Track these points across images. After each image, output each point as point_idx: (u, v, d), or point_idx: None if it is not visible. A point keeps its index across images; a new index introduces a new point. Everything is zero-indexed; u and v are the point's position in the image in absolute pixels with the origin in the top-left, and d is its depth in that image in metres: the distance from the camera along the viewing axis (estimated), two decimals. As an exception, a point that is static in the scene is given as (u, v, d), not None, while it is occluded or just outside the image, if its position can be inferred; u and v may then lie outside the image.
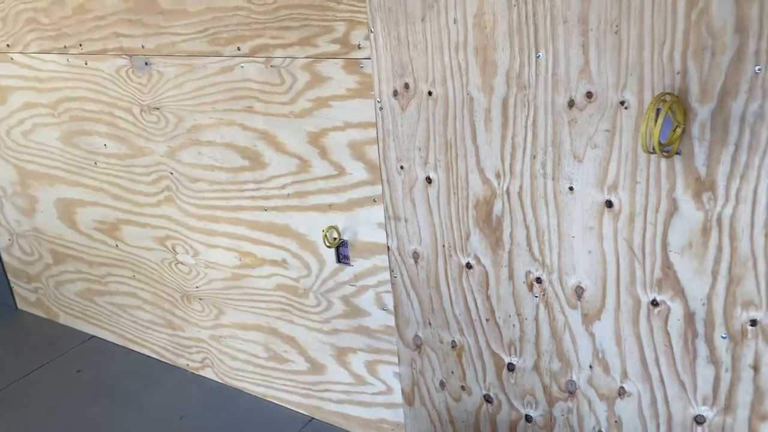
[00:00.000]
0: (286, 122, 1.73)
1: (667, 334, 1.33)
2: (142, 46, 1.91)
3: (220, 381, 2.29)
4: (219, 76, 1.80)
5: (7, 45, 2.24)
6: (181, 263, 2.19)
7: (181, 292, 2.25)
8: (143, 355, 2.50)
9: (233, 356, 2.20)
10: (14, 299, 2.89)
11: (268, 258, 1.95)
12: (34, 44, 2.16)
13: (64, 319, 2.74)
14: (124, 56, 1.96)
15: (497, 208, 1.47)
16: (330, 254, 1.80)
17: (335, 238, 1.76)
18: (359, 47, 1.53)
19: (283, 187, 1.82)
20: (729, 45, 1.10)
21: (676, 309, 1.31)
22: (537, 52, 1.30)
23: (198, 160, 1.97)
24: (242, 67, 1.74)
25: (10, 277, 2.85)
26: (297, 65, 1.64)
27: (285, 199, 1.83)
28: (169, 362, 2.43)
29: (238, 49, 1.72)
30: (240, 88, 1.77)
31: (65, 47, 2.08)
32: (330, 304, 1.87)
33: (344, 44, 1.55)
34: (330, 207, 1.75)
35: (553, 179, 1.37)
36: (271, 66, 1.69)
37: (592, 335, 1.44)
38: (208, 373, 2.32)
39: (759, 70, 1.08)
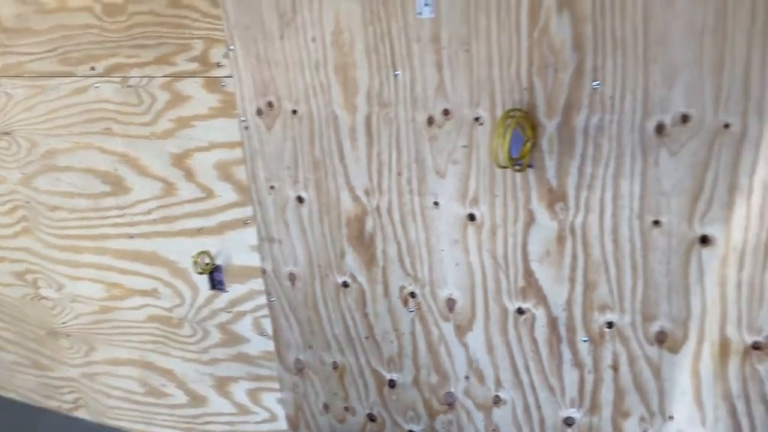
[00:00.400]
0: (148, 144, 1.64)
1: (534, 340, 1.37)
2: (-15, 67, 1.76)
3: (97, 421, 2.14)
4: (73, 97, 1.68)
5: None
6: (45, 298, 2.03)
7: (47, 329, 2.08)
8: (8, 399, 2.29)
9: (108, 394, 2.06)
10: None
11: (138, 288, 1.84)
12: None
13: None
14: (-35, 77, 1.80)
15: (369, 225, 1.47)
16: (203, 281, 1.73)
17: (207, 264, 1.69)
18: (219, 65, 1.48)
19: (149, 212, 1.72)
20: (569, 62, 1.15)
21: (540, 316, 1.35)
22: (395, 70, 1.31)
23: (56, 187, 1.83)
24: (97, 87, 1.64)
25: None
26: (155, 84, 1.57)
27: (152, 224, 1.73)
28: (39, 405, 2.24)
29: (92, 68, 1.62)
30: (96, 109, 1.67)
31: None
32: (207, 332, 1.79)
33: (203, 62, 1.49)
34: (200, 231, 1.68)
35: (419, 195, 1.38)
36: (128, 86, 1.60)
37: (465, 346, 1.46)
38: (82, 414, 2.16)
39: (597, 85, 1.14)
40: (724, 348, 1.19)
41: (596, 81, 1.14)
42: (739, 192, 1.08)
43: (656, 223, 1.17)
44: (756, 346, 1.16)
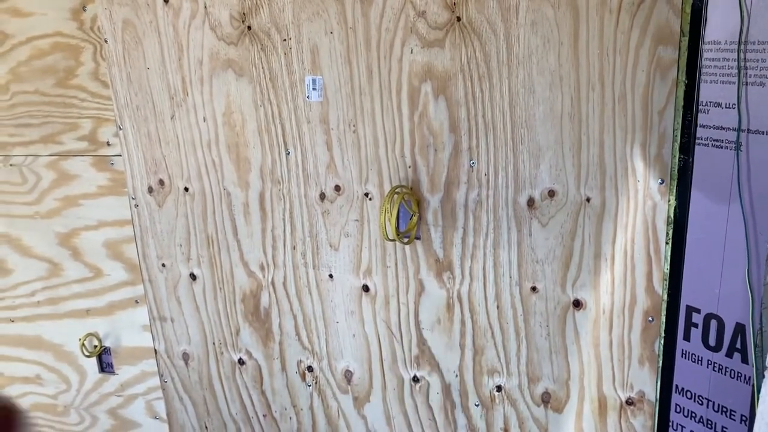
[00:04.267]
0: (32, 223, 1.58)
1: (430, 408, 1.41)
2: None
3: None
4: (-52, 176, 1.60)
5: None
6: None
7: None
8: None
9: (-19, 495, 1.88)
10: None
11: (19, 375, 1.72)
12: None
13: None
14: None
15: (264, 299, 1.47)
16: (91, 364, 1.65)
17: (96, 346, 1.61)
18: (108, 144, 1.47)
19: (33, 294, 1.64)
20: (446, 143, 1.24)
21: (435, 383, 1.39)
22: (287, 149, 1.35)
23: (-74, 271, 1.71)
24: (-24, 166, 1.57)
25: None
26: (40, 163, 1.53)
27: (35, 307, 1.65)
28: None
29: (-30, 147, 1.56)
30: (-26, 189, 1.60)
31: None
32: (95, 419, 1.70)
33: (92, 141, 1.48)
34: (88, 312, 1.61)
35: (314, 268, 1.41)
36: (11, 165, 1.55)
37: (364, 418, 1.47)
38: None
39: (473, 164, 1.23)
40: (602, 405, 1.27)
41: (472, 160, 1.23)
42: (603, 259, 1.19)
43: (534, 289, 1.26)
44: (630, 402, 1.25)
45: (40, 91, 1.47)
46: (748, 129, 0.98)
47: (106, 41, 1.39)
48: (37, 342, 1.68)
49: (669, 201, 1.10)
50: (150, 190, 1.47)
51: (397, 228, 1.23)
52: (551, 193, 1.19)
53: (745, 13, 0.95)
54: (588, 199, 1.18)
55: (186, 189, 1.45)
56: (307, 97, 1.30)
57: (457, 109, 1.21)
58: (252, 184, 1.40)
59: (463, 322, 1.33)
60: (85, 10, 1.38)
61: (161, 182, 1.46)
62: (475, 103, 1.20)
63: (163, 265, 1.52)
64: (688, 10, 1.02)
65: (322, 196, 1.36)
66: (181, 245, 1.49)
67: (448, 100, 1.21)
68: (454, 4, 1.16)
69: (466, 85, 1.19)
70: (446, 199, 1.27)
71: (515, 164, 1.20)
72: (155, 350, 1.59)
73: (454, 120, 1.22)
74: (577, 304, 1.24)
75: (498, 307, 1.30)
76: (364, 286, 1.38)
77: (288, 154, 1.35)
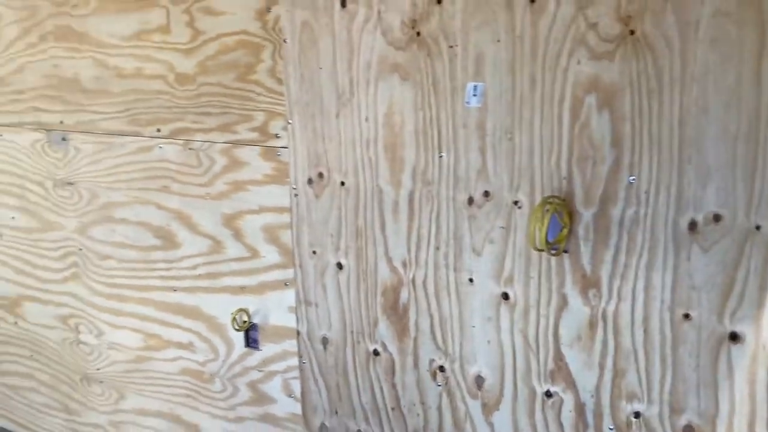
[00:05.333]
0: (202, 203, 1.75)
1: (561, 425, 1.38)
2: (61, 122, 1.91)
3: (116, 471, 2.16)
4: (137, 155, 1.81)
5: None
6: (83, 343, 2.10)
7: (81, 374, 2.14)
8: (34, 441, 2.33)
9: (132, 444, 2.09)
10: None
11: (175, 340, 1.90)
12: (-53, 112, 2.11)
13: (-52, 401, 2.54)
14: (42, 130, 1.95)
15: (404, 295, 1.52)
16: (239, 338, 1.78)
17: (245, 321, 1.75)
18: (277, 136, 1.59)
19: (195, 267, 1.81)
20: (607, 156, 1.22)
21: (568, 400, 1.36)
22: (440, 152, 1.39)
23: (109, 237, 1.94)
24: (161, 147, 1.76)
25: None
26: (216, 149, 1.68)
27: (196, 279, 1.81)
28: (62, 450, 2.27)
29: (158, 130, 1.75)
30: (157, 168, 1.79)
31: (-20, 117, 2.05)
32: (236, 390, 1.83)
33: (263, 133, 1.61)
34: (242, 289, 1.75)
35: (455, 270, 1.44)
36: (190, 149, 1.72)
37: (491, 425, 1.47)
38: (103, 463, 2.18)
39: (633, 180, 1.20)
40: (753, 448, 1.19)
41: (632, 176, 1.20)
42: (770, 292, 1.12)
43: (686, 316, 1.20)
44: (786, 449, 1.16)
45: (222, 84, 1.62)
46: None
47: (285, 41, 1.51)
48: (195, 312, 1.84)
49: None
50: (310, 181, 1.58)
51: (546, 238, 1.23)
52: (716, 218, 1.14)
53: None
54: (758, 227, 1.11)
55: (342, 183, 1.53)
56: (467, 102, 1.34)
57: (621, 123, 1.19)
58: (404, 183, 1.45)
59: (605, 342, 1.30)
60: (269, 11, 1.51)
61: (320, 175, 1.56)
62: (641, 118, 1.17)
63: (314, 252, 1.61)
64: None
65: (470, 201, 1.38)
66: (332, 235, 1.58)
67: (612, 113, 1.19)
68: (629, 17, 1.14)
69: (634, 99, 1.17)
70: (600, 214, 1.25)
71: (679, 184, 1.16)
72: (297, 332, 1.69)
73: (617, 134, 1.20)
74: (734, 337, 1.17)
75: (645, 331, 1.25)
76: (503, 293, 1.39)
77: (441, 157, 1.40)
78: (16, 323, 2.24)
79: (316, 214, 1.59)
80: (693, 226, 1.16)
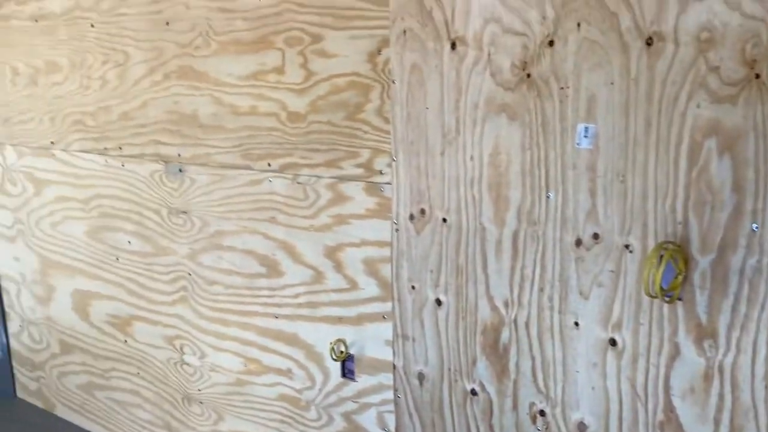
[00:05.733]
0: (306, 235, 1.81)
1: (670, 480, 1.32)
2: (179, 155, 2.04)
3: (211, 490, 2.23)
4: (247, 187, 1.90)
5: (51, 142, 2.39)
6: (187, 364, 2.20)
7: (183, 393, 2.24)
8: (135, 455, 2.45)
9: (227, 465, 2.16)
10: (14, 386, 2.88)
11: (274, 366, 1.96)
12: (77, 143, 2.31)
13: (60, 411, 2.72)
14: (160, 162, 2.09)
15: (504, 336, 1.51)
16: (335, 368, 1.82)
17: (342, 352, 1.78)
18: (381, 173, 1.64)
19: (297, 296, 1.87)
20: (727, 202, 1.17)
21: (679, 455, 1.30)
22: (548, 192, 1.39)
23: (217, 264, 2.04)
24: (270, 181, 1.85)
25: (14, 364, 2.85)
26: (322, 184, 1.75)
27: (297, 308, 1.87)
28: (161, 466, 2.37)
29: (269, 165, 1.84)
30: (266, 200, 1.87)
31: (105, 149, 2.23)
32: (331, 419, 1.86)
33: (367, 169, 1.66)
34: (340, 320, 1.79)
35: (560, 313, 1.41)
36: (297, 182, 1.79)
37: (593, 475, 1.42)
38: (199, 481, 2.26)
39: (756, 228, 1.15)
40: None
41: (755, 223, 1.15)
42: None
43: (816, 374, 1.13)
44: None
45: (331, 122, 1.69)
46: None
47: (393, 82, 1.56)
48: (294, 339, 1.90)
49: None
50: (411, 217, 1.61)
51: (660, 285, 1.19)
52: None
53: None
54: None
55: (444, 220, 1.55)
56: (577, 144, 1.33)
57: (744, 168, 1.15)
58: (508, 222, 1.46)
59: (721, 396, 1.23)
60: (380, 54, 1.57)
61: (422, 211, 1.58)
62: (766, 163, 1.12)
63: (413, 287, 1.63)
64: None
65: (578, 243, 1.37)
66: (432, 271, 1.59)
67: (734, 158, 1.16)
68: (754, 61, 1.11)
69: (758, 144, 1.13)
70: (718, 262, 1.20)
71: (809, 234, 1.10)
72: (394, 365, 1.70)
73: (738, 179, 1.16)
74: None
75: (767, 387, 1.18)
76: (611, 339, 1.35)
77: (548, 197, 1.39)
78: (125, 342, 2.38)
79: (417, 250, 1.61)
80: (824, 278, 1.10)
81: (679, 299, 1.25)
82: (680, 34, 1.17)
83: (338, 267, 1.77)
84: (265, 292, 1.93)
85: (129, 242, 2.26)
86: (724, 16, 1.13)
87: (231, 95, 1.87)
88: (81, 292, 2.48)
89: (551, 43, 1.32)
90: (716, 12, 1.13)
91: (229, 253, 2.00)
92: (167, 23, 1.96)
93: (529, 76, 1.36)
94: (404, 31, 1.51)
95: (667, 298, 1.22)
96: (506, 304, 1.49)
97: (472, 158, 1.48)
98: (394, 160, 1.61)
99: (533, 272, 1.44)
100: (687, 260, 1.23)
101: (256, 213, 1.90)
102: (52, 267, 2.55)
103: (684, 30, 1.17)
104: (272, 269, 1.91)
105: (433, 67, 1.49)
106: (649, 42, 1.21)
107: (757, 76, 1.11)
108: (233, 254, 1.99)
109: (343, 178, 1.71)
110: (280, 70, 1.75)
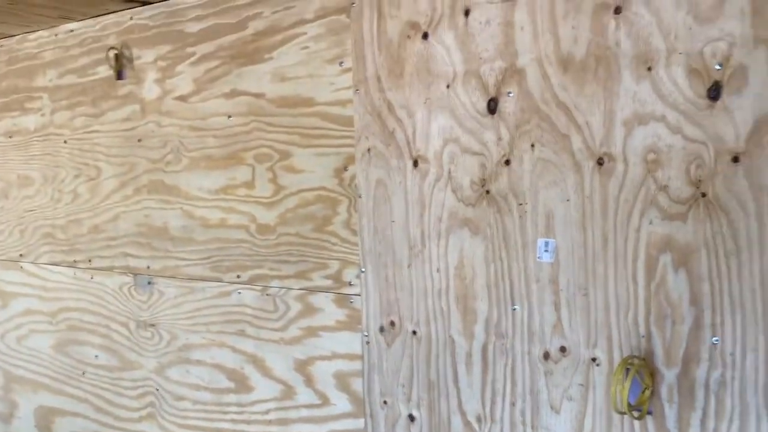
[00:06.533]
0: (276, 348, 1.78)
1: None
2: (148, 267, 2.03)
3: None
4: (216, 299, 1.89)
5: (20, 254, 2.37)
6: (153, 485, 2.10)
7: None
8: None
9: None
10: None
11: (244, 487, 1.88)
12: (46, 256, 2.29)
13: None
14: (129, 274, 2.08)
15: (478, 452, 1.47)
16: (308, 488, 1.75)
17: (314, 471, 1.72)
18: (350, 284, 1.64)
19: (267, 412, 1.82)
20: (686, 316, 1.19)
21: None
22: (513, 305, 1.40)
23: (185, 379, 1.98)
24: (239, 293, 1.84)
25: (-30, 486, 2.69)
26: (291, 295, 1.74)
27: (267, 425, 1.81)
28: None
29: (238, 276, 1.84)
30: (235, 312, 1.86)
31: (75, 261, 2.21)
32: None
33: (337, 280, 1.66)
34: (311, 437, 1.73)
35: (532, 428, 1.39)
36: (267, 294, 1.79)
37: None
38: None
39: (716, 341, 1.17)
40: None
41: (715, 337, 1.17)
42: None
43: (790, 491, 1.11)
44: None
45: (300, 234, 1.71)
46: None
47: (360, 196, 1.60)
48: (264, 458, 1.83)
49: None
50: (381, 329, 1.60)
51: (627, 401, 1.19)
52: (813, 385, 1.08)
53: None
54: None
55: (414, 332, 1.55)
56: (539, 257, 1.36)
57: (699, 283, 1.18)
58: (477, 335, 1.46)
59: None
60: (346, 170, 1.61)
61: (392, 323, 1.58)
62: (720, 279, 1.15)
63: (385, 402, 1.60)
64: None
65: (546, 356, 1.37)
66: (403, 385, 1.57)
67: (689, 273, 1.19)
68: (699, 181, 1.16)
69: (711, 259, 1.16)
70: (684, 375, 1.20)
71: (767, 347, 1.12)
72: (367, 485, 1.64)
73: (695, 294, 1.18)
74: None
75: (743, 505, 1.16)
76: (585, 454, 1.33)
77: (515, 310, 1.40)
78: (89, 460, 2.27)
79: (388, 363, 1.59)
80: (787, 392, 1.11)
81: (649, 413, 1.24)
82: (629, 155, 1.23)
83: (309, 381, 1.73)
84: (234, 408, 1.88)
85: (96, 356, 2.20)
86: (667, 139, 1.19)
87: (201, 208, 1.90)
88: (44, 409, 2.38)
89: (508, 162, 1.37)
90: (660, 135, 1.19)
91: (197, 367, 1.95)
92: (139, 140, 2.00)
93: (488, 192, 1.41)
94: (368, 149, 1.56)
95: (636, 414, 1.21)
96: (479, 419, 1.47)
97: (438, 270, 1.50)
98: (362, 272, 1.62)
99: (504, 386, 1.43)
100: (653, 374, 1.23)
101: (225, 326, 1.88)
102: (16, 382, 2.47)
103: (632, 151, 1.23)
104: (241, 384, 1.86)
105: (398, 183, 1.54)
106: (600, 162, 1.26)
107: (704, 194, 1.16)
108: (201, 368, 1.94)
109: (312, 290, 1.71)
110: (249, 185, 1.79)
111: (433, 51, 1.44)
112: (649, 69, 1.19)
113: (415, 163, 1.50)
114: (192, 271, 1.94)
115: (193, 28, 1.86)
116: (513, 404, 1.41)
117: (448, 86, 1.43)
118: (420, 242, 1.52)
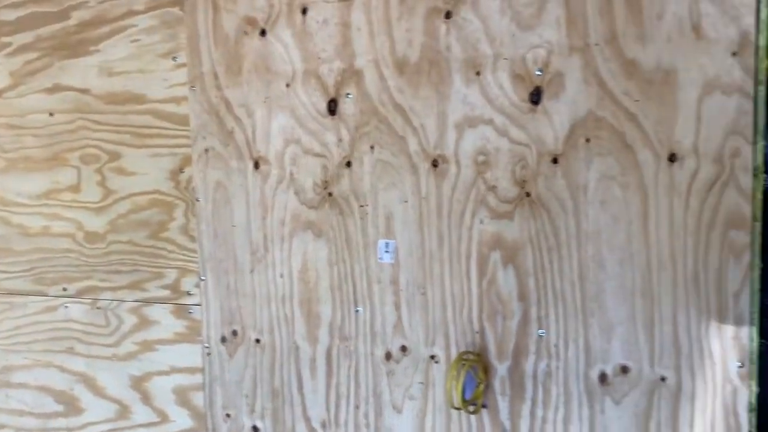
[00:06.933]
0: (109, 365, 1.65)
1: None
2: (-43, 282, 1.80)
3: None
4: (40, 315, 1.71)
5: None
6: None
7: None
8: None
9: None
10: None
11: None
12: None
13: None
14: (-65, 291, 1.83)
15: (324, 459, 1.44)
16: None
17: (153, 495, 1.60)
18: (189, 294, 1.55)
19: (99, 436, 1.67)
20: (515, 311, 1.25)
21: None
22: (356, 307, 1.39)
23: (5, 404, 1.78)
24: (66, 307, 1.68)
25: None
26: (124, 308, 1.62)
27: (100, 449, 1.67)
28: None
29: (64, 289, 1.68)
30: (62, 328, 1.69)
31: None
32: None
33: (174, 290, 1.56)
34: (150, 459, 1.62)
35: (376, 430, 1.39)
36: (97, 308, 1.65)
37: None
38: None
39: (542, 334, 1.23)
40: None
41: (541, 329, 1.23)
42: (682, 443, 1.13)
43: (607, 470, 1.19)
44: None
45: (133, 242, 1.59)
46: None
47: (197, 200, 1.52)
48: (97, 485, 1.68)
49: (750, 387, 1.05)
50: (223, 339, 1.52)
51: (463, 395, 1.21)
52: (624, 369, 1.17)
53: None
54: (663, 378, 1.14)
55: (257, 341, 1.49)
56: (380, 258, 1.36)
57: (526, 278, 1.23)
58: (321, 339, 1.43)
59: (530, 501, 1.26)
60: (182, 172, 1.52)
61: (234, 333, 1.51)
62: (544, 273, 1.22)
63: (228, 415, 1.53)
64: (760, 195, 1.04)
65: (388, 356, 1.37)
66: (247, 396, 1.51)
67: (517, 269, 1.24)
68: (524, 181, 1.22)
69: (535, 256, 1.22)
70: (514, 368, 1.25)
71: (586, 337, 1.19)
72: (210, 504, 1.56)
73: (522, 289, 1.24)
74: (656, 491, 1.16)
75: (568, 487, 1.23)
76: (427, 452, 1.34)
77: (357, 311, 1.39)
78: None
79: (230, 374, 1.52)
80: (603, 378, 1.18)
81: (484, 406, 1.28)
82: (460, 157, 1.26)
83: (146, 399, 1.62)
84: (62, 434, 1.71)
85: None
86: (495, 142, 1.24)
87: (20, 215, 1.71)
88: None
89: (349, 164, 1.36)
90: (488, 138, 1.24)
91: (19, 390, 1.75)
92: (-56, 138, 1.77)
93: (330, 194, 1.39)
94: (206, 150, 1.49)
95: (471, 408, 1.25)
96: (324, 425, 1.44)
97: (282, 275, 1.46)
98: (202, 280, 1.54)
99: (348, 389, 1.41)
100: (487, 369, 1.27)
101: (50, 344, 1.71)
102: None
103: (463, 153, 1.26)
104: (71, 406, 1.70)
105: (238, 185, 1.47)
106: (435, 164, 1.29)
107: (528, 194, 1.22)
108: (24, 392, 1.75)
109: (148, 301, 1.59)
110: (75, 189, 1.64)
111: (271, 48, 1.40)
112: (478, 73, 1.23)
113: (257, 165, 1.45)
114: (11, 284, 1.74)
115: (10, 15, 1.68)
116: (357, 407, 1.40)
117: (288, 85, 1.40)
118: (263, 246, 1.47)
